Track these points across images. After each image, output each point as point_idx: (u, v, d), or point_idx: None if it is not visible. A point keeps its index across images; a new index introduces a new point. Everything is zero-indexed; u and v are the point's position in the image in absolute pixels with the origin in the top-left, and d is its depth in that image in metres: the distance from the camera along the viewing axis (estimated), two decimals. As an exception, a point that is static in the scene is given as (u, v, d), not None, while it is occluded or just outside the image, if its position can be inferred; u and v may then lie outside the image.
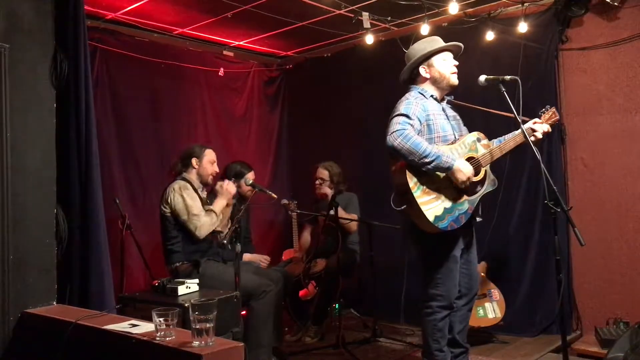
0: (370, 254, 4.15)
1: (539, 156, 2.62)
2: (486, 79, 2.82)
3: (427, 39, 3.01)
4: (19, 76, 2.49)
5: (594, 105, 3.99)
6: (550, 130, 2.97)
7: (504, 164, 3.78)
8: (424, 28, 4.07)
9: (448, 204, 2.75)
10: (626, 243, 3.85)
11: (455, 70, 2.95)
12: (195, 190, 3.57)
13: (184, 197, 3.44)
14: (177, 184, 3.52)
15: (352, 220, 4.30)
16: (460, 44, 2.99)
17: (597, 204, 3.97)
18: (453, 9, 3.91)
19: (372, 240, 4.17)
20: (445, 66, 2.93)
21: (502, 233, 4.15)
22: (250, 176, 4.00)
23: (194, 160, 3.63)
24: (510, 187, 4.09)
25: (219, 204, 3.54)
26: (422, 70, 2.94)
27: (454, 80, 2.94)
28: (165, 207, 3.49)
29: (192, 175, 3.64)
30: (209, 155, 3.69)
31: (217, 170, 3.75)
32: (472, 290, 3.01)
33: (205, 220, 3.44)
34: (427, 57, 2.93)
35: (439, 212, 2.71)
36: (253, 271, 3.64)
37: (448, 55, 2.95)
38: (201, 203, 3.53)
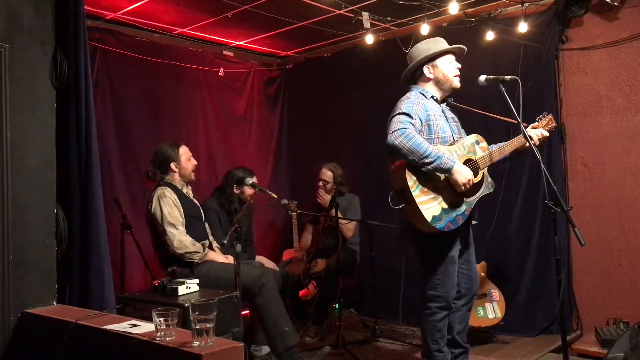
0: (370, 254, 4.15)
1: (539, 156, 2.62)
2: (486, 79, 2.83)
3: (431, 40, 3.01)
4: (19, 76, 2.49)
5: (594, 105, 3.99)
6: (548, 135, 2.99)
7: (504, 164, 3.79)
8: (424, 28, 4.07)
9: (446, 204, 2.75)
10: (626, 243, 3.85)
11: (458, 73, 2.95)
12: (180, 194, 3.55)
13: (161, 205, 3.41)
14: (156, 193, 3.48)
15: (351, 220, 4.29)
16: (464, 48, 3.00)
17: (597, 204, 3.97)
18: (453, 9, 3.91)
19: (372, 240, 4.18)
20: (449, 68, 2.93)
21: (502, 233, 4.14)
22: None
23: (173, 165, 3.57)
24: (510, 187, 4.09)
25: (218, 258, 3.51)
26: (426, 71, 2.94)
27: (457, 83, 2.95)
28: (148, 218, 3.49)
29: (175, 178, 3.60)
30: (185, 154, 3.64)
31: (196, 162, 3.72)
32: (472, 290, 3.02)
33: (183, 239, 3.39)
34: (432, 58, 2.93)
35: (437, 212, 2.71)
36: (247, 267, 3.63)
37: (452, 58, 2.96)
38: (183, 209, 3.49)
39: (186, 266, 3.43)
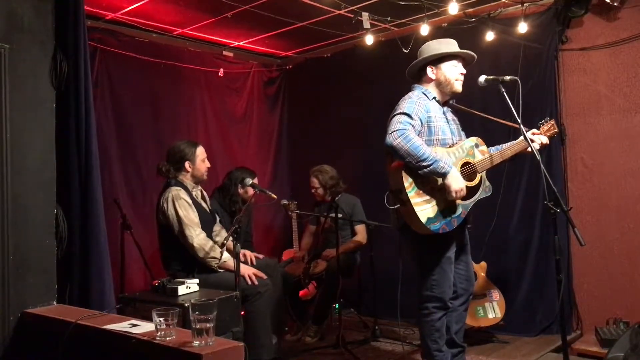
0: (370, 254, 4.15)
1: (538, 156, 2.62)
2: (486, 80, 2.83)
3: (443, 40, 2.99)
4: (19, 76, 2.49)
5: (594, 105, 3.99)
6: (548, 142, 2.98)
7: (504, 164, 3.80)
8: (424, 28, 4.07)
9: (441, 206, 2.75)
10: (626, 243, 3.85)
11: (461, 78, 2.94)
12: (190, 194, 3.48)
13: (176, 207, 3.33)
14: (170, 193, 3.38)
15: (352, 220, 4.29)
16: (474, 55, 2.98)
17: (597, 204, 3.97)
18: (453, 9, 3.91)
19: (372, 240, 4.18)
20: (453, 72, 2.92)
21: (502, 233, 4.15)
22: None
23: (187, 164, 3.49)
24: (510, 188, 4.09)
25: (229, 262, 3.33)
26: (429, 71, 2.94)
27: (458, 87, 2.93)
28: (160, 217, 3.41)
29: (187, 177, 3.52)
30: (201, 154, 3.56)
31: (209, 165, 3.64)
32: (468, 290, 3.04)
33: (203, 243, 3.31)
34: (437, 59, 2.92)
35: (432, 214, 2.72)
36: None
37: (458, 62, 2.94)
38: (197, 208, 3.44)
39: (188, 271, 3.40)
